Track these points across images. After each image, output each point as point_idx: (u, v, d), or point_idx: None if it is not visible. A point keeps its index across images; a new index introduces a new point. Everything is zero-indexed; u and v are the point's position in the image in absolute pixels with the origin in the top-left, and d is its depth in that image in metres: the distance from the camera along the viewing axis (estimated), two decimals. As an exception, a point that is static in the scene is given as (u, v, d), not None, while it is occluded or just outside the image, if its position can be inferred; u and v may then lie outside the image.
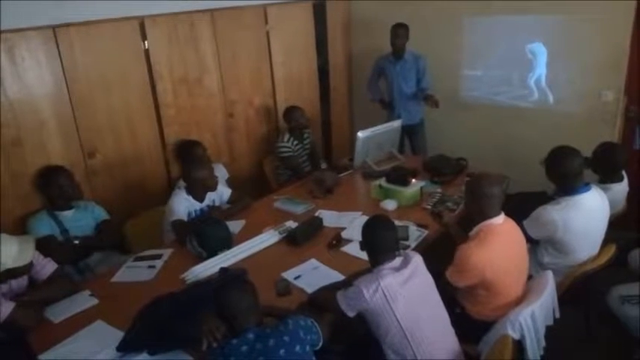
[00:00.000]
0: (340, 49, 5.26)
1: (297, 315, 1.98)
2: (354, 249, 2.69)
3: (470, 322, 2.38)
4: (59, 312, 2.37)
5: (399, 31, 4.38)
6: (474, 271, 2.25)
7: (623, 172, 3.06)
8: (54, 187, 3.00)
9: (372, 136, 3.87)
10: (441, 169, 3.64)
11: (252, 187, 4.21)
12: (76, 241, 2.99)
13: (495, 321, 2.21)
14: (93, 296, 2.49)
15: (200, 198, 3.16)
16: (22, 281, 2.40)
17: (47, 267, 2.48)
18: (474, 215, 2.38)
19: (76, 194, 3.07)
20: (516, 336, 2.09)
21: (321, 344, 1.94)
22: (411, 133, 4.69)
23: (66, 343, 2.16)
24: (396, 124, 4.11)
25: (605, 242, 2.72)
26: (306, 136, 4.29)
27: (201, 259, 2.72)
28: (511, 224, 2.40)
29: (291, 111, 4.19)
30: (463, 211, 2.82)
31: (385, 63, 4.59)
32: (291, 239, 2.87)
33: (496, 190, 2.32)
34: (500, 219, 2.34)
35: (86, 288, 2.57)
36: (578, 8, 3.88)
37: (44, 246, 2.85)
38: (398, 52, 4.47)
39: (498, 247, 2.27)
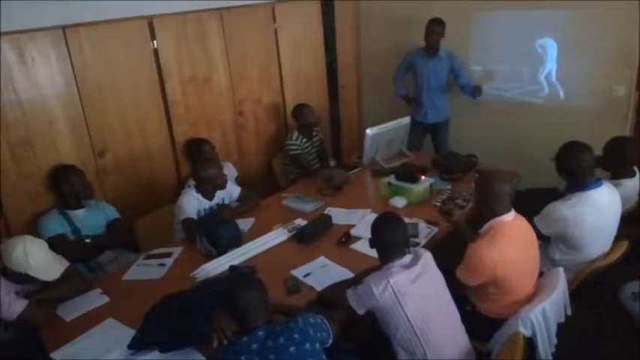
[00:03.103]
0: (349, 46, 5.25)
1: (306, 313, 1.98)
2: (363, 246, 2.69)
3: (480, 320, 2.37)
4: (71, 310, 2.39)
5: (436, 28, 4.25)
6: (485, 269, 2.23)
7: (635, 168, 3.03)
8: (65, 186, 3.02)
9: (381, 134, 3.86)
10: (451, 166, 3.62)
11: (261, 185, 4.22)
12: (87, 240, 3.01)
13: (506, 318, 2.19)
14: (104, 294, 2.51)
15: (209, 196, 3.17)
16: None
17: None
18: (483, 212, 2.37)
19: (87, 193, 3.09)
20: (527, 333, 2.07)
21: (330, 342, 1.94)
22: (435, 132, 4.63)
23: (77, 341, 2.18)
24: (405, 121, 4.09)
25: (618, 238, 2.70)
26: (315, 133, 4.29)
27: (211, 257, 2.73)
28: (522, 221, 2.38)
29: (299, 109, 4.19)
30: (473, 209, 2.81)
31: (417, 57, 4.46)
32: (300, 237, 2.87)
33: (506, 186, 2.31)
34: (511, 216, 2.32)
35: (97, 286, 2.59)
36: (589, 3, 3.84)
37: (56, 245, 2.88)
38: (432, 49, 4.35)
39: (509, 244, 2.25)
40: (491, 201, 2.30)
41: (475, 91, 4.30)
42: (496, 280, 2.26)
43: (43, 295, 2.36)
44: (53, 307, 2.37)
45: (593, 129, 3.67)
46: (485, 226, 2.34)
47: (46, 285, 2.39)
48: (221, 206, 3.22)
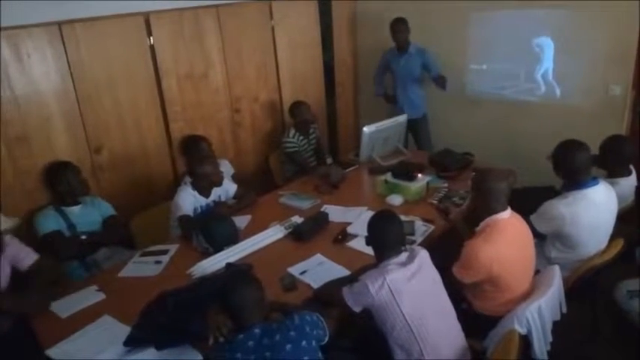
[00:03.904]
0: (346, 44, 5.25)
1: (303, 310, 1.98)
2: (359, 244, 2.68)
3: (476, 318, 2.38)
4: (66, 307, 2.38)
5: (399, 26, 4.41)
6: (481, 267, 2.24)
7: (632, 167, 3.04)
8: (61, 182, 3.01)
9: (378, 132, 3.86)
10: (447, 164, 3.62)
11: (258, 183, 4.22)
12: (83, 237, 3.00)
13: (502, 316, 2.20)
14: (100, 291, 2.50)
15: (206, 193, 3.17)
16: (6, 269, 2.42)
17: (28, 257, 2.50)
18: (480, 210, 2.37)
19: (83, 190, 3.08)
20: (523, 331, 2.08)
21: (327, 339, 1.94)
22: (414, 128, 4.68)
23: (73, 339, 2.17)
24: (402, 119, 4.10)
25: (613, 237, 2.70)
26: (311, 131, 4.28)
27: (207, 254, 2.72)
28: (517, 219, 2.39)
29: (296, 106, 4.18)
30: (469, 206, 2.82)
31: (390, 57, 4.63)
32: (297, 234, 2.87)
33: (502, 184, 2.31)
34: (507, 214, 2.32)
35: (93, 283, 2.58)
36: (586, 2, 3.85)
37: (51, 241, 2.88)
38: (401, 47, 4.49)
39: (505, 242, 2.26)
40: (488, 199, 2.31)
41: (439, 81, 4.34)
42: (492, 277, 2.26)
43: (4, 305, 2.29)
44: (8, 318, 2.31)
45: (590, 128, 3.68)
46: (482, 224, 2.34)
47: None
48: (217, 203, 3.22)
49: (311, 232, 2.88)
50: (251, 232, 2.96)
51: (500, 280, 2.28)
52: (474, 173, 3.22)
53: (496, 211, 2.30)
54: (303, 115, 4.14)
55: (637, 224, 2.99)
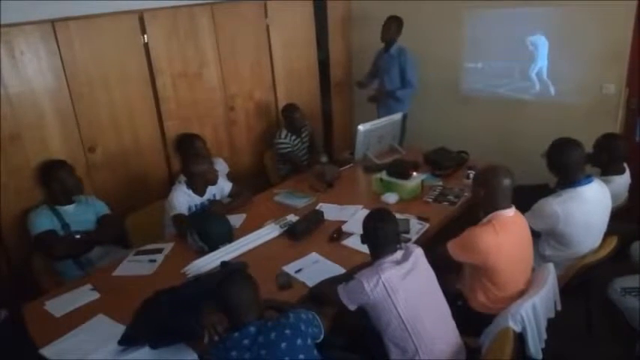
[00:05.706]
0: (341, 43, 5.24)
1: (298, 308, 1.98)
2: (355, 242, 2.69)
3: (471, 315, 2.38)
4: (61, 306, 2.37)
5: (386, 23, 4.38)
6: (479, 253, 2.24)
7: (625, 165, 3.05)
8: (55, 181, 2.99)
9: (373, 130, 3.87)
10: (442, 162, 3.63)
11: (253, 181, 4.20)
12: (77, 236, 2.98)
13: (497, 314, 2.20)
14: (94, 290, 2.50)
15: (200, 192, 3.16)
16: None
17: None
18: (484, 206, 2.36)
19: (77, 189, 3.07)
20: (518, 328, 2.09)
21: (322, 337, 1.94)
22: None
23: (67, 337, 2.16)
24: (397, 117, 4.10)
25: (607, 234, 2.72)
26: (303, 129, 4.27)
27: (202, 253, 2.72)
28: (521, 218, 2.39)
29: (288, 110, 4.18)
30: (470, 201, 2.79)
31: (377, 55, 4.63)
32: (292, 233, 2.86)
33: (509, 181, 2.31)
34: (512, 211, 2.33)
35: (87, 282, 2.57)
36: (580, 0, 3.86)
37: (45, 241, 2.86)
38: (386, 45, 4.46)
39: (506, 238, 2.26)
40: (495, 194, 2.30)
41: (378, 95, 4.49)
42: (486, 269, 2.27)
43: None
44: None
45: (584, 126, 3.69)
46: (485, 219, 2.33)
47: None
48: (212, 202, 3.21)
49: (306, 231, 2.88)
50: (246, 230, 2.95)
51: (498, 276, 2.28)
52: (469, 171, 3.24)
53: (501, 208, 2.31)
54: (294, 121, 4.14)
55: (632, 221, 3.01)
